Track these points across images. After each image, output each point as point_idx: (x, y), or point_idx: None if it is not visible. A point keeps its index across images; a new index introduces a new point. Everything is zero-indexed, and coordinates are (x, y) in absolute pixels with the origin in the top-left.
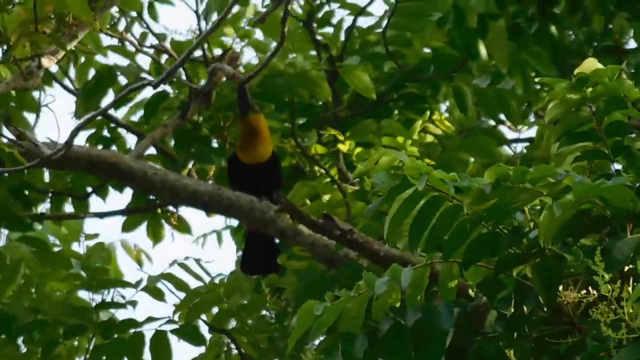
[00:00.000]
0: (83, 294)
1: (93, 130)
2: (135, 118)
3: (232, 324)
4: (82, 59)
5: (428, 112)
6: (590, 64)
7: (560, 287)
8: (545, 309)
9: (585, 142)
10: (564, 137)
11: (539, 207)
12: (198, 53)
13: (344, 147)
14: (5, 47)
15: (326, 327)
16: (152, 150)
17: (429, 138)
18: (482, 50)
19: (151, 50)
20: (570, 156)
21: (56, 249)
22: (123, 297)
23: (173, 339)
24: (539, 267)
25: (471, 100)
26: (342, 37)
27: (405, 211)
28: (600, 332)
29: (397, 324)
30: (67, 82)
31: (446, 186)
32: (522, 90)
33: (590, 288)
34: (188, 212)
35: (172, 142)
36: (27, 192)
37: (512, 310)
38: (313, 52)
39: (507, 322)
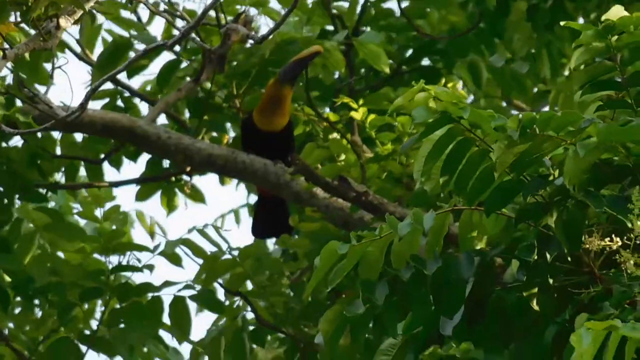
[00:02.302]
0: (98, 258)
1: (107, 100)
2: (149, 89)
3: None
4: (100, 19)
5: (442, 82)
6: (617, 12)
7: (583, 237)
8: (568, 258)
9: (609, 91)
10: (587, 85)
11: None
12: (212, 19)
13: (357, 115)
14: (24, 8)
15: (346, 270)
16: (164, 120)
17: None
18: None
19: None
20: (593, 105)
21: (74, 215)
22: (139, 260)
23: (192, 304)
24: (561, 215)
25: (485, 76)
26: (358, 10)
27: (438, 152)
28: (621, 280)
29: (417, 273)
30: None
31: (487, 121)
32: (550, 72)
33: (613, 236)
34: (202, 182)
35: (186, 112)
36: (40, 162)
37: (535, 258)
38: (329, 27)
39: (529, 272)
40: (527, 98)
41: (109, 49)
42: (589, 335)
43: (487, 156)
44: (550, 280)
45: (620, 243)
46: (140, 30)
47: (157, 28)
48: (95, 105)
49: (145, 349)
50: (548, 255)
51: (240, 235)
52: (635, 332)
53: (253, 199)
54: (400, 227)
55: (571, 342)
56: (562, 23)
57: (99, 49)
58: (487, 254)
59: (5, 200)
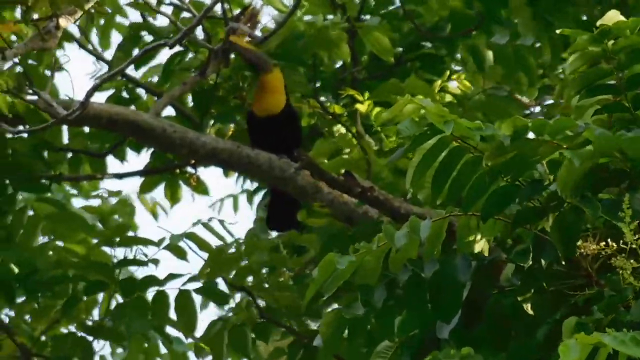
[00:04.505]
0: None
1: (112, 91)
2: (154, 79)
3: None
4: (102, 21)
5: (448, 72)
6: (612, 16)
7: (579, 242)
8: (563, 262)
9: (606, 95)
10: (584, 90)
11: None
12: (218, 12)
13: (362, 107)
14: (24, 8)
15: (343, 279)
16: (170, 112)
17: (448, 98)
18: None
19: (170, 10)
20: (590, 109)
21: (77, 208)
22: (145, 255)
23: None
24: (557, 220)
25: (488, 58)
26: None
27: (428, 161)
28: (618, 284)
29: (415, 276)
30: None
31: (472, 133)
32: (550, 57)
33: (609, 240)
34: (206, 174)
35: (191, 104)
36: (45, 153)
37: (530, 263)
38: (330, 16)
39: (524, 276)
40: (533, 76)
41: (125, 41)
42: (577, 348)
43: (481, 163)
44: (545, 285)
45: (615, 247)
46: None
47: (163, 19)
48: (100, 96)
49: (146, 344)
50: (543, 261)
51: (240, 222)
52: (624, 346)
53: (251, 185)
54: (397, 238)
55: (559, 351)
56: (558, 31)
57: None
58: (484, 258)
59: (10, 191)
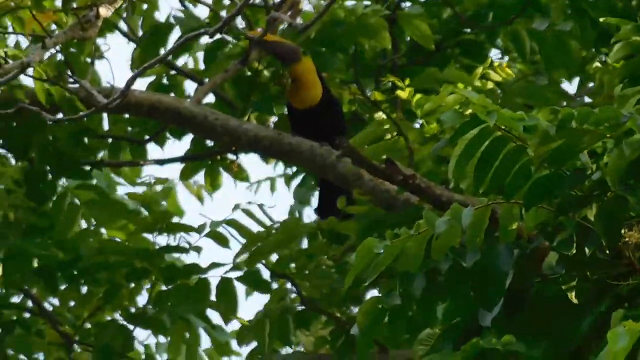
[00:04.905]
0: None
1: (153, 78)
2: (192, 65)
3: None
4: (144, 6)
5: (489, 59)
6: None
7: (623, 231)
8: (607, 251)
9: None
10: (627, 79)
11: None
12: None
13: (403, 94)
14: None
15: (384, 265)
16: (211, 100)
17: (489, 85)
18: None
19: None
20: (633, 99)
21: (120, 194)
22: (189, 243)
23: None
24: (601, 209)
25: (529, 46)
26: None
27: (471, 151)
28: None
29: (456, 265)
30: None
31: (515, 124)
32: (580, 43)
33: None
34: (245, 160)
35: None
36: (86, 140)
37: (574, 251)
38: (367, 2)
39: (568, 264)
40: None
41: (150, 30)
42: (626, 335)
43: (525, 152)
44: (589, 273)
45: None
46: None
47: (204, 7)
48: (141, 82)
49: (187, 334)
50: (587, 249)
51: (277, 206)
52: None
53: (290, 169)
54: (438, 225)
55: (608, 339)
56: (601, 19)
57: None
58: (527, 247)
59: (50, 177)
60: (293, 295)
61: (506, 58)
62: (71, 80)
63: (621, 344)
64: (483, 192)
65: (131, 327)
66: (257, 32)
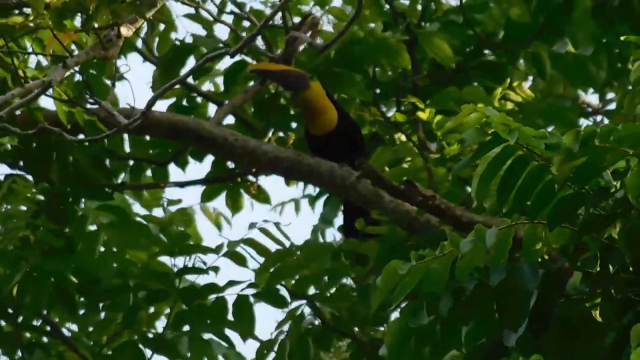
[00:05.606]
0: (164, 260)
1: (173, 100)
2: (211, 87)
3: (312, 291)
4: (161, 27)
5: (508, 80)
6: None
7: None
8: (630, 268)
9: None
10: None
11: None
12: (278, 20)
13: (424, 115)
14: (85, 16)
15: (410, 287)
16: (231, 120)
17: (509, 105)
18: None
19: (230, 18)
20: None
21: (137, 218)
22: (204, 263)
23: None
24: (625, 227)
25: (549, 67)
26: (419, 7)
27: (493, 170)
28: None
29: (481, 284)
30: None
31: (537, 142)
32: (607, 72)
33: None
34: (266, 182)
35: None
36: (107, 161)
37: (598, 269)
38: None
39: (592, 283)
40: (594, 83)
41: (171, 50)
42: None
43: (547, 171)
44: (613, 291)
45: None
46: (210, 28)
47: (223, 28)
48: (161, 104)
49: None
50: (610, 267)
51: (300, 227)
52: None
53: (313, 190)
54: (462, 245)
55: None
56: (622, 38)
57: None
58: (551, 266)
59: (70, 199)
60: (311, 316)
61: (530, 80)
62: (91, 101)
63: None
64: (506, 211)
65: (149, 352)
66: (261, 64)
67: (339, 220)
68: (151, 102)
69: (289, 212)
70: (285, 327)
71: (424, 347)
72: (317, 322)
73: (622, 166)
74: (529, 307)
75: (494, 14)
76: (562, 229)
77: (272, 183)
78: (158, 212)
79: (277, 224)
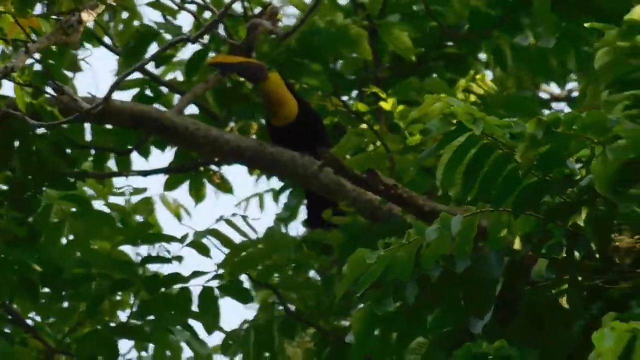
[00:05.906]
0: (126, 249)
1: (136, 90)
2: (172, 76)
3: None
4: (124, 15)
5: (472, 72)
6: None
7: (613, 236)
8: (597, 255)
9: (636, 90)
10: (613, 85)
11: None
12: (238, 10)
13: (386, 105)
14: (47, 2)
15: (376, 276)
16: (193, 110)
17: (472, 98)
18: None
19: (193, 8)
20: (620, 105)
21: (101, 206)
22: (168, 251)
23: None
24: (590, 214)
25: (511, 59)
26: None
27: (458, 159)
28: None
29: (447, 272)
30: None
31: (501, 131)
32: (575, 64)
33: None
34: (230, 173)
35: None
36: (68, 150)
37: (564, 255)
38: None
39: (558, 270)
40: (555, 76)
41: (133, 38)
42: (611, 335)
43: (512, 159)
44: (580, 278)
45: None
46: (171, 14)
47: (187, 17)
48: (124, 95)
49: (168, 353)
50: (577, 253)
51: (265, 221)
52: None
53: (276, 184)
54: (428, 233)
55: (592, 340)
56: (586, 25)
57: None
58: (517, 253)
59: (32, 189)
60: (279, 307)
61: (489, 72)
62: (53, 87)
63: (607, 343)
64: (471, 200)
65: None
66: (219, 57)
67: (302, 211)
68: (113, 87)
69: (254, 207)
70: (250, 317)
71: (390, 334)
72: (280, 308)
73: (586, 154)
74: (494, 294)
75: (454, 5)
76: (527, 217)
77: (235, 173)
78: (119, 201)
79: (244, 217)
